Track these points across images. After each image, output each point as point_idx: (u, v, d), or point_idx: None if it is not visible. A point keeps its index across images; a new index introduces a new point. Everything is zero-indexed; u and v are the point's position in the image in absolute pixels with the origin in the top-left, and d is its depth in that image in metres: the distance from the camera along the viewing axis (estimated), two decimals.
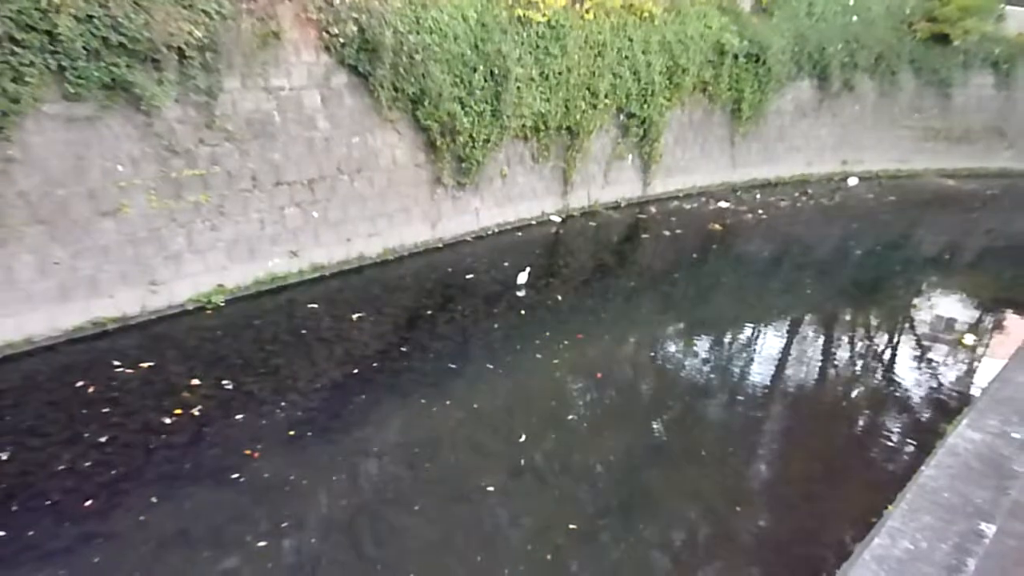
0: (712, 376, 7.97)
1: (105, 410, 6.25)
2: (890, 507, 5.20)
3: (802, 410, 7.50)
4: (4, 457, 5.51)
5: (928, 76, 19.07)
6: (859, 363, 8.84)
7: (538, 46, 11.75)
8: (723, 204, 15.60)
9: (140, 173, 7.71)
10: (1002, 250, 14.35)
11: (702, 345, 8.87)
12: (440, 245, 11.35)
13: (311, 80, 9.18)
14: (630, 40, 13.37)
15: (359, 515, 5.28)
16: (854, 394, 7.92)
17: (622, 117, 13.96)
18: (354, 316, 8.56)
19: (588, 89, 12.77)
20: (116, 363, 7.02)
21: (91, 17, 6.78)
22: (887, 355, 9.18)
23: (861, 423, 7.36)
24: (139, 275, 7.93)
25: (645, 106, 14.01)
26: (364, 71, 9.50)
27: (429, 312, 9.17)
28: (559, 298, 9.73)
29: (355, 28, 9.20)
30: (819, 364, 8.65)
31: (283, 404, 6.59)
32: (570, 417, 6.72)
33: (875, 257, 12.95)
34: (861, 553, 4.48)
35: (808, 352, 8.94)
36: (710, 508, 5.65)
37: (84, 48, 6.82)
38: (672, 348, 8.80)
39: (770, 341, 9.21)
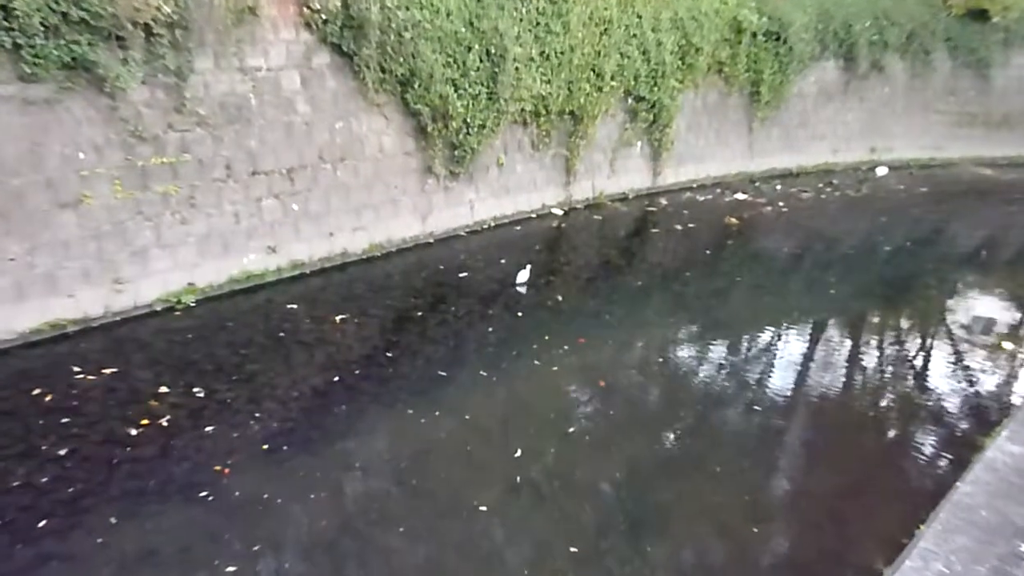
0: (727, 384, 7.94)
1: (64, 420, 6.22)
2: (922, 527, 5.18)
3: (826, 421, 7.47)
4: None
5: (964, 56, 19.06)
6: (888, 369, 8.81)
7: (538, 23, 11.73)
8: (740, 196, 15.58)
9: (103, 161, 7.68)
10: None
11: (716, 350, 8.83)
12: (431, 240, 11.34)
13: (290, 60, 9.16)
14: (639, 16, 13.35)
15: (340, 536, 5.26)
16: (883, 403, 7.89)
17: (630, 101, 13.94)
18: (337, 318, 8.55)
19: (593, 70, 12.76)
20: (77, 369, 7.00)
21: None
22: (919, 361, 9.15)
23: (891, 435, 7.33)
24: (102, 272, 7.91)
25: (655, 89, 13.99)
26: (348, 50, 9.48)
27: (419, 313, 9.14)
28: (560, 299, 9.71)
29: (338, 3, 9.19)
30: (844, 371, 8.61)
31: (259, 414, 6.56)
32: (571, 429, 6.69)
33: (906, 254, 12.92)
34: None
35: (832, 357, 8.91)
36: (725, 528, 5.63)
37: (42, 24, 6.79)
38: (683, 353, 8.77)
39: (791, 346, 9.18)
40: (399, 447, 6.37)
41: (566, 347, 8.21)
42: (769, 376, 8.25)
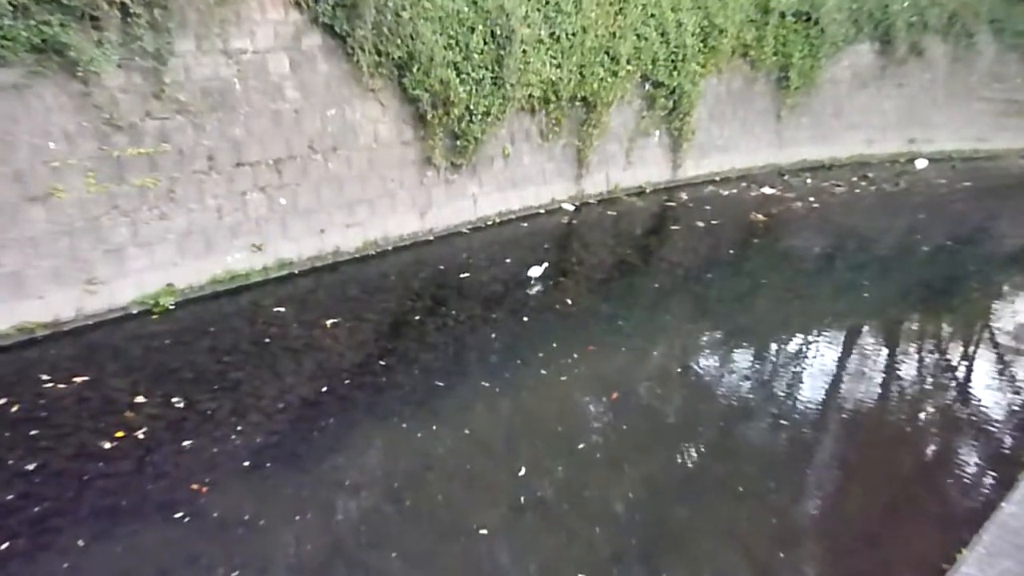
0: (752, 396, 7.88)
1: (32, 432, 6.22)
2: (965, 550, 5.14)
3: (860, 435, 7.41)
4: None
5: (1012, 38, 18.92)
6: (928, 380, 8.73)
7: (548, 2, 11.72)
8: (767, 190, 15.53)
9: (76, 151, 7.70)
10: None
11: (740, 359, 8.78)
12: (430, 237, 11.34)
13: (278, 42, 9.16)
14: None
15: (329, 560, 5.22)
16: (922, 416, 7.82)
17: (647, 86, 13.91)
18: (327, 322, 8.54)
19: (607, 53, 12.74)
20: (46, 377, 7.01)
21: None
22: (961, 370, 9.07)
23: (930, 451, 7.26)
24: (74, 272, 7.92)
25: (675, 73, 13.95)
26: (341, 31, 9.47)
27: (416, 318, 9.13)
28: (569, 302, 9.66)
29: None
30: (880, 381, 8.54)
31: (243, 427, 6.55)
32: (580, 445, 6.63)
33: (946, 254, 12.83)
34: None
35: (867, 366, 8.84)
36: (748, 553, 5.57)
37: (10, 3, 6.82)
38: (704, 362, 8.72)
39: (821, 354, 9.11)
40: (393, 464, 6.34)
41: (575, 355, 8.16)
42: (798, 387, 8.19)
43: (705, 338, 9.31)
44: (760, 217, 13.81)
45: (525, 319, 9.12)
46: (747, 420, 7.44)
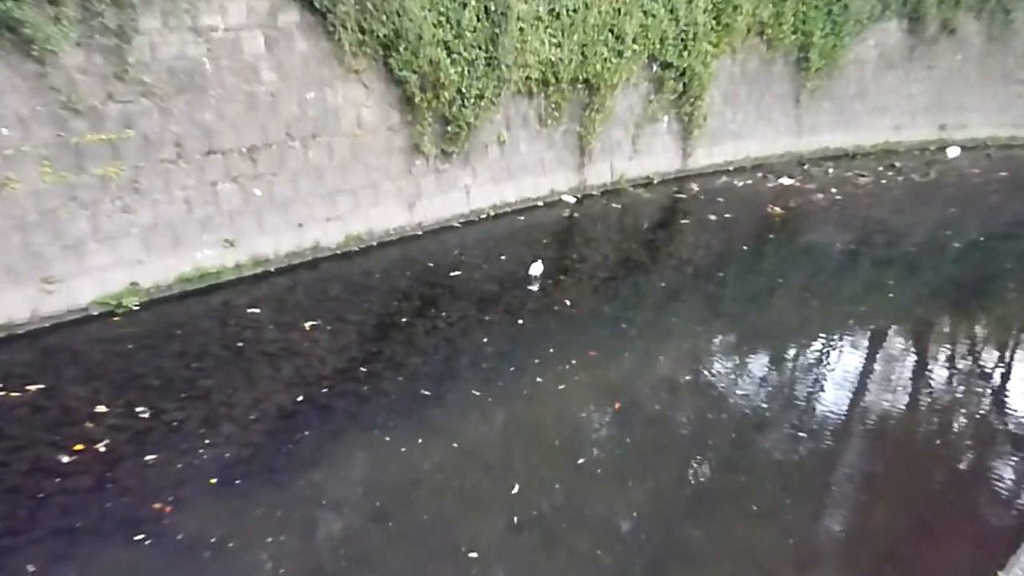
0: (768, 405, 7.86)
1: None
2: (1000, 573, 5.13)
3: (886, 448, 7.40)
4: None
5: None
6: (960, 387, 8.72)
7: None
8: (785, 181, 15.52)
9: (31, 138, 7.66)
10: None
11: (755, 365, 8.77)
12: (419, 232, 11.32)
13: (252, 18, 9.13)
14: None
15: None
16: (954, 427, 7.82)
17: (655, 68, 13.89)
18: (306, 324, 8.52)
19: (611, 31, 12.72)
20: None
21: None
22: (996, 377, 9.07)
23: (962, 465, 7.25)
24: (29, 270, 7.89)
25: (685, 53, 13.93)
26: (321, 7, 9.45)
27: (403, 319, 9.11)
28: (568, 303, 9.65)
29: None
30: (908, 389, 8.55)
31: (213, 439, 6.52)
32: (580, 460, 6.61)
33: (980, 251, 12.83)
34: None
35: (893, 374, 8.84)
36: (765, 575, 5.57)
37: None
38: (716, 369, 8.70)
39: (844, 360, 9.10)
40: (377, 480, 6.32)
41: (574, 361, 8.14)
42: (818, 396, 8.18)
43: (717, 342, 9.31)
44: (777, 210, 13.80)
45: (521, 322, 9.10)
46: (763, 431, 7.42)
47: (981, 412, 8.19)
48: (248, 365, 7.80)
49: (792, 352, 9.23)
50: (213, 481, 6.02)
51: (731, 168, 15.98)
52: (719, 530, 6.00)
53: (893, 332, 9.99)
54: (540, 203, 12.95)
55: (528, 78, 11.91)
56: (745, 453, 7.10)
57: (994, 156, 18.52)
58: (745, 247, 12.44)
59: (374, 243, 10.79)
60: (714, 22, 14.25)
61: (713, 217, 13.32)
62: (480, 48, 10.90)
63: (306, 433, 6.72)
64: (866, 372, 8.82)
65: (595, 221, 12.89)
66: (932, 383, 8.75)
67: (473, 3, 10.64)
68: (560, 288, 10.08)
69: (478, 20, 10.78)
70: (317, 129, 9.94)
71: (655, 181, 14.68)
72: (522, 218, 12.46)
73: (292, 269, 9.88)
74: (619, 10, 12.69)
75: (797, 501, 6.37)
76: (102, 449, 6.25)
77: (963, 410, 8.19)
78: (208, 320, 8.64)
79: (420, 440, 6.68)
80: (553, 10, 11.83)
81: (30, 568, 5.11)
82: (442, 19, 10.39)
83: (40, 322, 7.97)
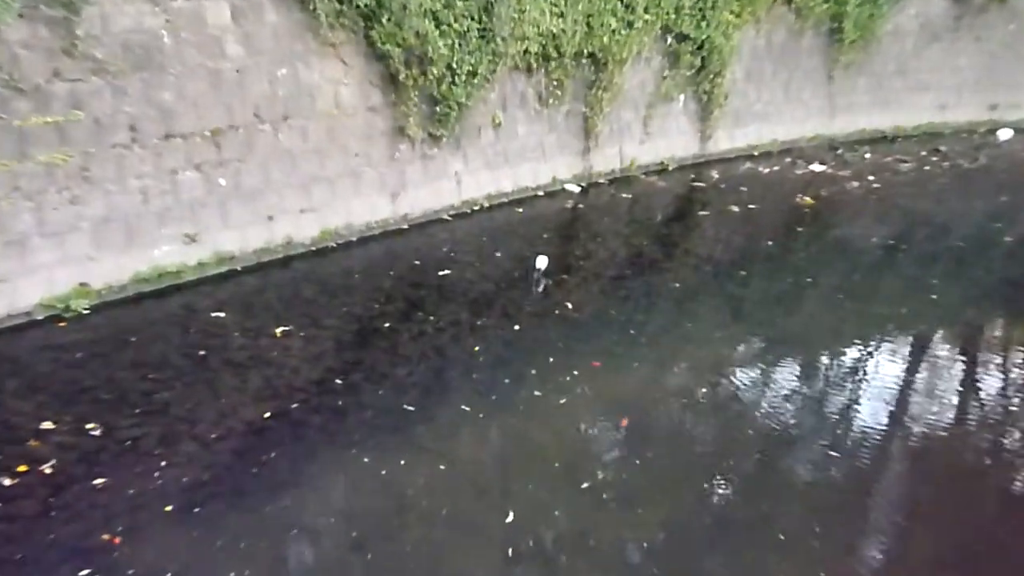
0: (796, 420, 7.86)
1: None
2: None
3: (930, 469, 7.40)
4: None
5: None
6: (1012, 400, 8.72)
7: None
8: (816, 167, 15.52)
9: None
10: None
11: (782, 375, 8.77)
12: (404, 225, 11.32)
13: None
14: None
15: None
16: (1006, 446, 7.82)
17: (670, 40, 13.88)
18: (277, 330, 8.53)
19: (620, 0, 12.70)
20: None
21: None
22: None
23: (1015, 487, 7.25)
24: None
25: (703, 24, 13.92)
26: None
27: (386, 325, 9.09)
28: (570, 305, 9.68)
29: None
30: (954, 402, 8.54)
31: (172, 459, 6.51)
32: (584, 484, 6.60)
33: None
34: None
35: (937, 385, 8.83)
36: None
37: None
38: (738, 380, 8.69)
39: (882, 369, 9.10)
40: (355, 505, 6.32)
41: (576, 372, 8.15)
42: (853, 410, 8.18)
43: (738, 350, 9.30)
44: (808, 200, 13.80)
45: (517, 327, 9.09)
46: (791, 450, 7.43)
47: None
48: (212, 376, 7.78)
49: (824, 361, 9.22)
50: (169, 508, 6.01)
51: (755, 153, 15.96)
52: (741, 562, 6.00)
53: (938, 338, 9.99)
54: (540, 193, 12.94)
55: (527, 52, 11.90)
56: (771, 475, 7.09)
57: None
58: (771, 242, 12.43)
59: (353, 238, 10.79)
60: None
61: (735, 208, 13.31)
62: (472, 18, 10.89)
63: (276, 453, 6.70)
64: (907, 383, 8.82)
65: (602, 213, 12.88)
66: (982, 395, 8.74)
67: None
68: (562, 289, 10.08)
69: None
70: (289, 110, 9.93)
71: (670, 168, 14.66)
72: (520, 210, 12.44)
73: (261, 268, 9.88)
74: None
75: (829, 529, 6.35)
76: (47, 471, 6.24)
77: (1016, 425, 8.20)
78: (167, 325, 8.61)
79: (404, 461, 6.67)
80: None
81: None
82: None
83: None
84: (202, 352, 8.12)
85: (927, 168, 16.12)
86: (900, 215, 13.82)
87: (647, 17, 13.12)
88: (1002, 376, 9.23)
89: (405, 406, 7.44)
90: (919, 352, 9.59)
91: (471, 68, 11.06)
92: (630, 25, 12.92)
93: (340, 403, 7.50)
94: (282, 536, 5.89)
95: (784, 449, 7.44)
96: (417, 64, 10.53)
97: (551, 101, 12.70)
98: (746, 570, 5.93)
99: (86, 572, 5.39)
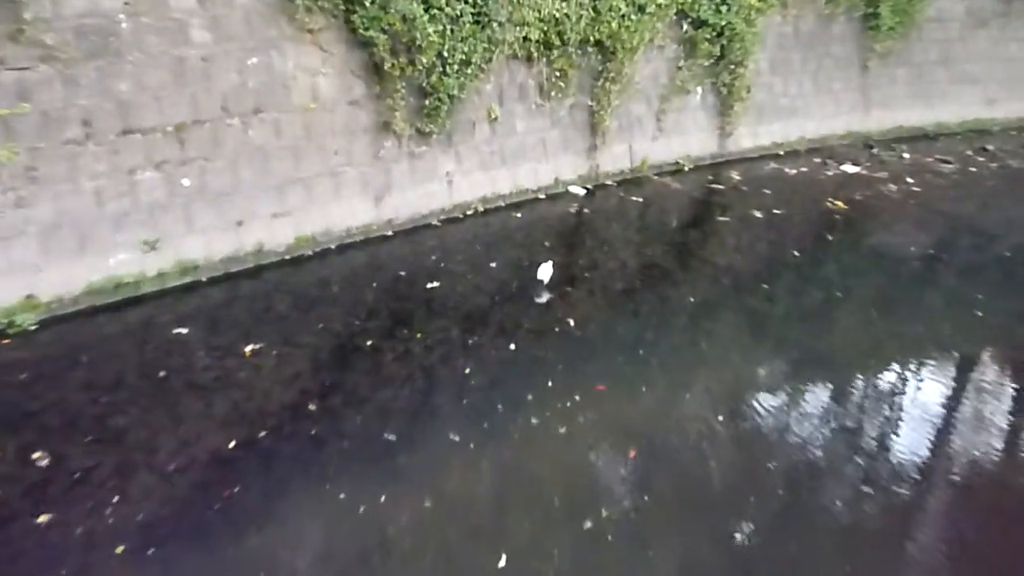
0: (826, 453, 7.85)
1: None
2: None
3: (976, 508, 7.37)
4: None
5: None
6: None
7: None
8: (849, 168, 15.54)
9: None
10: None
11: (811, 401, 8.75)
12: (389, 232, 11.33)
13: None
14: None
15: None
16: None
17: (686, 26, 13.93)
18: (246, 348, 8.54)
19: None
20: None
21: None
22: None
23: None
24: None
25: (723, 8, 13.98)
26: None
27: (367, 343, 9.09)
28: (573, 322, 9.68)
29: None
30: (1004, 431, 8.53)
31: (128, 492, 6.51)
32: (587, 524, 6.60)
33: None
34: None
35: (985, 412, 8.82)
36: None
37: None
38: (760, 406, 8.68)
39: (923, 395, 9.08)
40: (331, 546, 6.28)
41: (578, 397, 8.15)
42: (890, 441, 8.17)
43: (761, 373, 9.30)
44: (839, 205, 13.81)
45: (513, 346, 9.10)
46: (820, 487, 7.42)
47: None
48: (172, 400, 7.78)
49: (857, 386, 9.21)
50: (121, 549, 5.99)
51: (780, 152, 15.99)
52: None
53: (984, 360, 9.97)
54: (541, 195, 12.95)
55: (526, 39, 11.94)
56: (797, 514, 7.06)
57: None
58: (797, 252, 12.46)
59: (332, 246, 10.80)
60: None
61: (757, 213, 13.34)
62: (466, 2, 10.93)
63: (242, 487, 6.69)
64: (951, 411, 8.80)
65: (609, 218, 12.89)
66: None
67: None
68: (565, 303, 10.09)
69: None
70: (261, 103, 9.96)
71: (685, 168, 14.68)
72: (518, 214, 12.45)
73: (229, 278, 9.89)
74: None
75: (862, 572, 6.34)
76: None
77: None
78: (123, 342, 8.62)
79: (385, 496, 6.66)
80: None
81: None
82: None
83: None
84: (162, 373, 8.12)
85: (973, 169, 16.14)
86: (942, 222, 13.82)
87: (661, 0, 13.16)
88: None
89: (387, 435, 7.44)
90: (963, 376, 9.58)
91: (464, 56, 11.09)
92: (641, 9, 12.96)
93: (315, 431, 7.48)
94: None
95: (813, 485, 7.42)
96: (404, 52, 10.56)
97: (553, 94, 12.73)
98: None
99: None
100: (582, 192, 13.36)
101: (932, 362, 9.77)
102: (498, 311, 9.80)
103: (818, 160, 15.92)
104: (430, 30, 10.57)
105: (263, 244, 10.26)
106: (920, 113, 17.80)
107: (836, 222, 13.35)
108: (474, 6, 11.03)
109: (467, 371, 8.60)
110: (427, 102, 11.12)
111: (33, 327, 8.51)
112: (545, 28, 12.05)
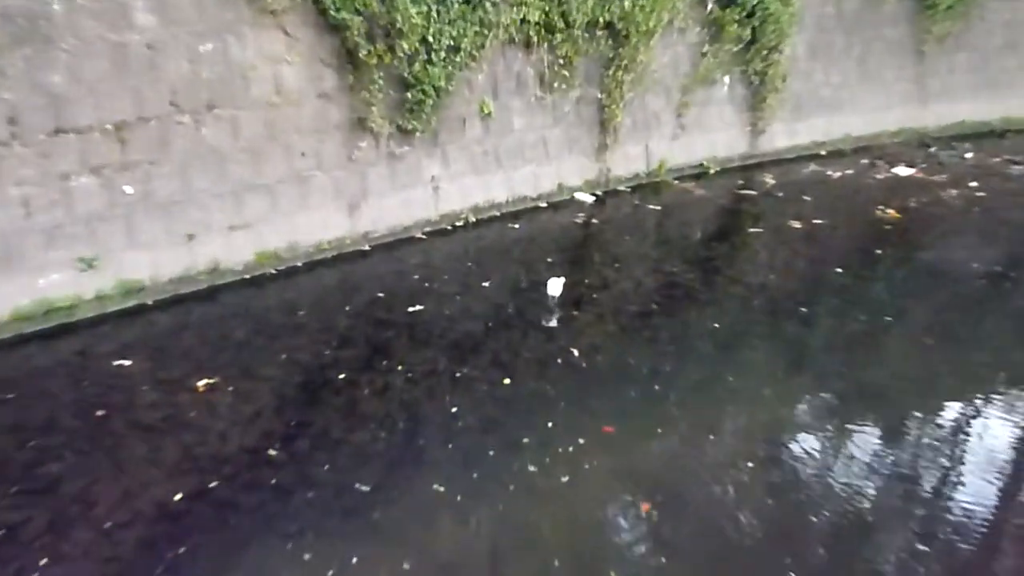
0: (874, 504, 7.86)
1: None
2: None
3: None
4: None
5: None
6: None
7: None
8: (902, 170, 15.59)
9: None
10: None
11: (857, 443, 8.76)
12: (365, 246, 11.36)
13: None
14: None
15: None
16: None
17: (711, 5, 13.98)
18: (199, 383, 8.56)
19: None
20: None
21: None
22: None
23: None
24: None
25: None
26: None
27: (340, 376, 9.11)
28: (576, 352, 9.71)
29: None
30: None
31: (59, 552, 6.51)
32: None
33: None
34: None
35: None
36: None
37: None
38: (798, 450, 8.70)
39: (988, 435, 9.09)
40: None
41: (583, 440, 8.16)
42: (951, 490, 8.18)
43: (799, 410, 9.31)
44: (891, 214, 13.86)
45: (509, 380, 9.12)
46: (867, 543, 7.41)
47: None
48: (113, 443, 7.80)
49: (910, 425, 9.21)
50: None
51: (822, 152, 16.06)
52: None
53: None
54: (542, 204, 13.00)
55: (525, 21, 12.02)
56: (842, 571, 7.08)
57: None
58: (841, 269, 12.48)
59: (299, 263, 10.86)
60: None
61: (795, 224, 13.39)
62: None
63: (192, 544, 6.69)
64: (1020, 454, 8.82)
65: (622, 230, 12.94)
66: None
67: None
68: (569, 329, 10.13)
69: None
70: (216, 97, 10.02)
71: (711, 171, 14.75)
72: (515, 226, 12.49)
73: (179, 301, 9.95)
74: None
75: None
76: None
77: None
78: (56, 376, 8.64)
79: (357, 557, 6.65)
80: None
81: None
82: None
83: None
84: (101, 412, 8.14)
85: None
86: (1010, 233, 13.87)
87: None
88: None
89: (361, 485, 7.44)
90: None
91: (452, 42, 11.18)
92: None
93: (277, 480, 7.48)
94: None
95: (859, 541, 7.42)
96: (382, 37, 10.64)
97: (556, 85, 12.78)
98: None
99: None
100: (590, 199, 13.40)
101: (999, 398, 9.79)
102: (491, 339, 9.83)
103: (866, 161, 15.97)
104: (412, 11, 10.64)
105: (218, 261, 10.29)
106: (985, 106, 17.84)
107: (887, 234, 13.39)
108: None
109: (455, 409, 8.60)
110: (409, 95, 11.17)
111: None
112: (547, 8, 12.12)
